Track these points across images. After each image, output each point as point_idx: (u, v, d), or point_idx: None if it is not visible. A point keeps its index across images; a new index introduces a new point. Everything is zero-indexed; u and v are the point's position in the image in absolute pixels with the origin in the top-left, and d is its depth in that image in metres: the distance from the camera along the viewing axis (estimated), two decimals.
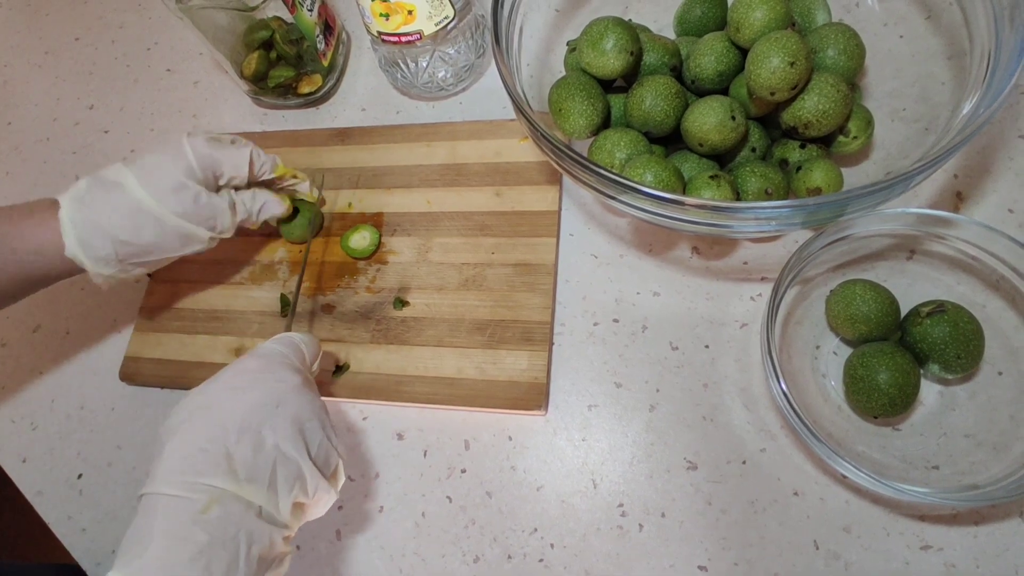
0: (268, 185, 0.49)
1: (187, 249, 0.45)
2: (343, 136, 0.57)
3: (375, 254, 0.51)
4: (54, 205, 0.42)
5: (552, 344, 0.46)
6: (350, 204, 0.54)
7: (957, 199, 0.45)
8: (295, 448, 0.34)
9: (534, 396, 0.44)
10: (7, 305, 0.44)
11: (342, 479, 0.38)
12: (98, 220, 0.41)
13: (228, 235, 0.46)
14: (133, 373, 0.52)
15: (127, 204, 0.41)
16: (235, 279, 0.53)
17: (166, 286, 0.54)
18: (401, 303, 0.49)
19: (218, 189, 0.46)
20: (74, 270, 0.43)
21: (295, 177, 0.50)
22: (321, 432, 0.36)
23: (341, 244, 0.51)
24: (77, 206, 0.41)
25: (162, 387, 0.51)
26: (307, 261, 0.49)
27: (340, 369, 0.47)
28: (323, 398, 0.38)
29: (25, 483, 0.50)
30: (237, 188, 0.47)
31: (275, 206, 0.48)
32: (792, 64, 0.38)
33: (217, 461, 0.32)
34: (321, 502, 0.36)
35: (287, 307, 0.51)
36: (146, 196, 0.41)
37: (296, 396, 0.36)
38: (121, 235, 0.42)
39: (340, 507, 0.45)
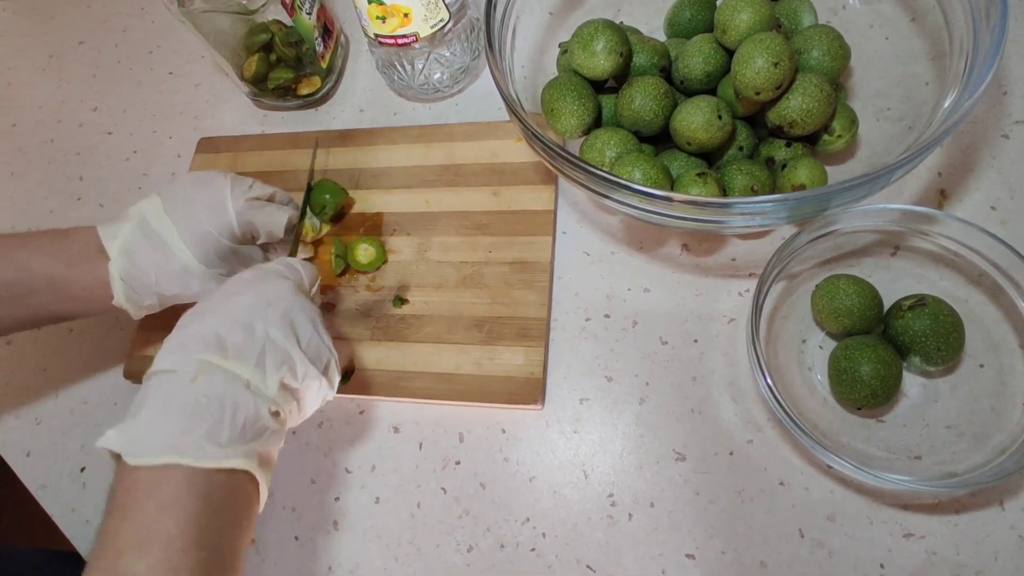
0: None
1: None
2: (343, 138, 0.58)
3: (382, 267, 0.52)
4: (102, 254, 0.43)
5: (548, 340, 0.47)
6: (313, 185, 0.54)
7: (941, 196, 0.46)
8: (284, 336, 0.36)
9: (530, 391, 0.45)
10: (21, 331, 0.45)
11: (336, 378, 0.39)
12: (146, 279, 0.43)
13: None
14: (137, 371, 0.53)
15: (174, 266, 0.43)
16: None
17: None
18: (400, 301, 0.50)
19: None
20: (108, 311, 0.45)
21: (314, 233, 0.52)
22: (312, 329, 0.37)
23: (348, 259, 0.52)
24: (126, 262, 0.43)
25: None
26: (301, 221, 0.50)
27: (347, 375, 0.48)
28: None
29: (29, 477, 0.51)
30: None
31: (287, 212, 0.50)
32: (776, 64, 0.39)
33: (207, 341, 0.34)
34: (312, 390, 0.38)
35: None
36: (194, 262, 0.44)
37: (287, 296, 0.38)
38: (166, 291, 0.44)
39: (337, 498, 0.46)
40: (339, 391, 0.48)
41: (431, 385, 0.47)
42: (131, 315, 0.45)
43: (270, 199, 0.48)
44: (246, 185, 0.46)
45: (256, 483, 0.34)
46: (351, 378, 0.48)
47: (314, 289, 0.42)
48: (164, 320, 0.53)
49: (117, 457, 0.31)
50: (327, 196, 0.52)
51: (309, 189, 0.52)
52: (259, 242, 0.48)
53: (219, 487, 0.32)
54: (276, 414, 0.35)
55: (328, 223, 0.53)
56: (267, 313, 0.36)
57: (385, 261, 0.52)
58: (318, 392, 0.38)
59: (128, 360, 0.53)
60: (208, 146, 0.61)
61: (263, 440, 0.34)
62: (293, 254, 0.47)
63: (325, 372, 0.38)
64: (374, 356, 0.48)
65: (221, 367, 0.34)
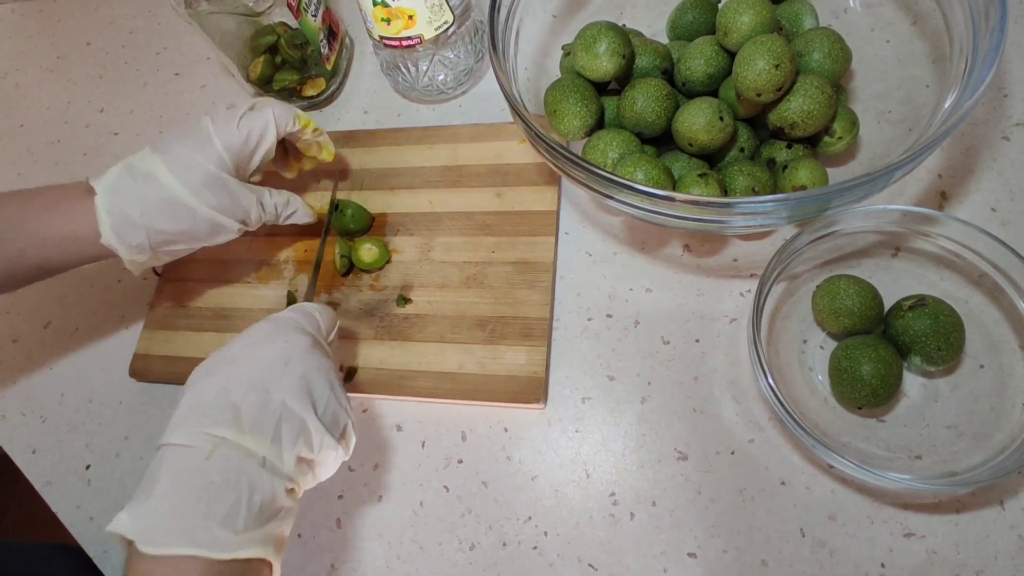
0: (296, 138, 0.50)
1: (216, 238, 0.46)
2: (348, 139, 0.58)
3: (385, 266, 0.52)
4: (89, 192, 0.42)
5: (551, 340, 0.48)
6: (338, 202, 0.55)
7: (941, 198, 0.47)
8: (300, 404, 0.35)
9: (533, 390, 0.45)
10: (24, 286, 0.45)
11: (353, 439, 0.38)
12: (133, 210, 0.42)
13: (254, 228, 0.48)
14: (142, 370, 0.53)
15: (162, 196, 0.42)
16: (242, 278, 0.55)
17: (174, 285, 0.56)
18: (404, 300, 0.50)
19: (252, 174, 0.47)
20: (103, 256, 0.44)
21: (316, 130, 0.50)
22: (329, 392, 0.36)
23: (353, 257, 0.52)
24: (112, 196, 0.42)
25: (170, 383, 0.53)
26: (324, 240, 0.51)
27: (351, 374, 0.48)
28: None
29: (34, 474, 0.52)
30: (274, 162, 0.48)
31: (303, 216, 0.50)
32: (777, 66, 0.40)
33: (223, 413, 0.33)
34: (328, 460, 0.36)
35: (293, 303, 0.52)
36: (180, 189, 0.42)
37: (304, 355, 0.37)
38: (155, 224, 0.43)
39: (340, 496, 0.46)
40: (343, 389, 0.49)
41: (434, 384, 0.47)
42: (124, 262, 0.44)
43: (251, 108, 0.46)
44: (224, 109, 0.45)
45: (270, 566, 0.33)
46: (354, 377, 0.48)
47: (331, 336, 0.41)
48: (169, 320, 0.54)
49: (128, 541, 0.31)
50: (349, 214, 0.52)
51: (334, 207, 0.53)
52: (257, 159, 0.46)
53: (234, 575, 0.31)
54: (291, 491, 0.35)
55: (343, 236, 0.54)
56: (283, 377, 0.35)
57: (389, 260, 0.52)
58: (335, 460, 0.37)
59: (134, 358, 0.54)
60: None
61: (278, 521, 0.33)
62: (310, 298, 0.46)
63: (342, 438, 0.37)
64: (377, 355, 0.49)
65: (236, 443, 0.33)
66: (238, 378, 0.35)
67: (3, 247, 0.42)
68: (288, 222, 0.50)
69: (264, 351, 0.36)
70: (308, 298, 0.47)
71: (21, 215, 0.42)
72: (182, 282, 0.56)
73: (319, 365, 0.37)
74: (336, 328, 0.42)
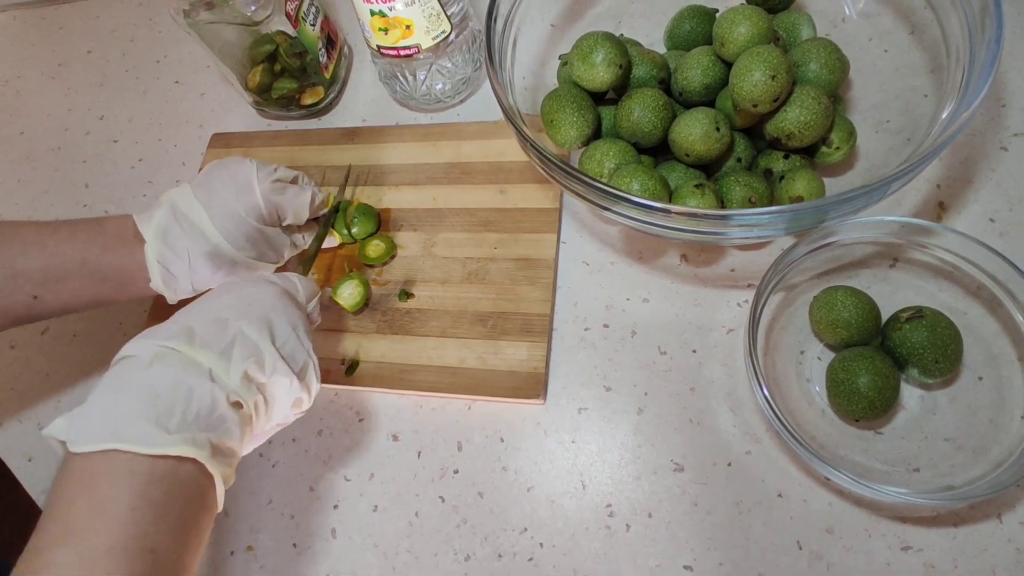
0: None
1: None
2: (352, 135, 0.59)
3: (390, 261, 0.53)
4: (138, 237, 0.43)
5: (551, 336, 0.48)
6: (358, 200, 0.56)
7: (940, 209, 0.46)
8: (258, 332, 0.35)
9: (533, 385, 0.45)
10: (64, 315, 0.45)
11: (315, 383, 0.38)
12: (180, 261, 0.44)
13: (284, 263, 0.50)
14: None
15: (207, 249, 0.44)
16: None
17: None
18: (406, 295, 0.51)
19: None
20: (146, 296, 0.45)
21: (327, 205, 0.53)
22: (290, 331, 0.37)
23: (359, 254, 0.52)
24: (161, 245, 0.43)
25: None
26: (324, 233, 0.52)
27: (352, 367, 0.49)
28: (331, 386, 0.38)
29: (30, 482, 0.52)
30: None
31: (330, 242, 0.52)
32: (773, 77, 0.40)
33: (176, 330, 0.34)
34: (281, 388, 0.36)
35: None
36: (225, 244, 0.44)
37: (271, 299, 0.37)
38: (199, 274, 0.44)
39: (335, 506, 0.46)
40: (344, 383, 0.48)
41: (435, 378, 0.47)
42: (167, 300, 0.46)
43: (293, 182, 0.49)
44: (270, 168, 0.47)
45: (210, 477, 0.32)
46: (356, 369, 0.48)
47: (311, 304, 0.42)
48: (170, 313, 0.54)
49: (64, 447, 0.30)
50: (356, 217, 0.53)
51: (336, 210, 0.53)
52: (285, 223, 0.49)
53: (164, 478, 0.30)
54: (238, 405, 0.34)
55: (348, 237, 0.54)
56: (245, 311, 0.36)
57: (394, 256, 0.52)
58: (288, 391, 0.36)
59: None
60: (220, 142, 0.63)
61: (219, 431, 0.32)
62: (305, 273, 0.48)
63: (301, 376, 0.36)
64: (379, 349, 0.49)
65: (180, 353, 0.33)
66: (201, 312, 0.36)
67: (61, 285, 0.43)
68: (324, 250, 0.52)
69: (231, 294, 0.37)
70: (304, 274, 0.48)
71: (86, 253, 0.43)
72: None
73: (285, 310, 0.37)
74: (317, 298, 0.43)
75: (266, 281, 0.39)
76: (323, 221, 0.52)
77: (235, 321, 0.35)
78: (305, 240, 0.51)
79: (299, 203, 0.48)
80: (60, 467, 0.30)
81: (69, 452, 0.30)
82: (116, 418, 0.30)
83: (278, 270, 0.49)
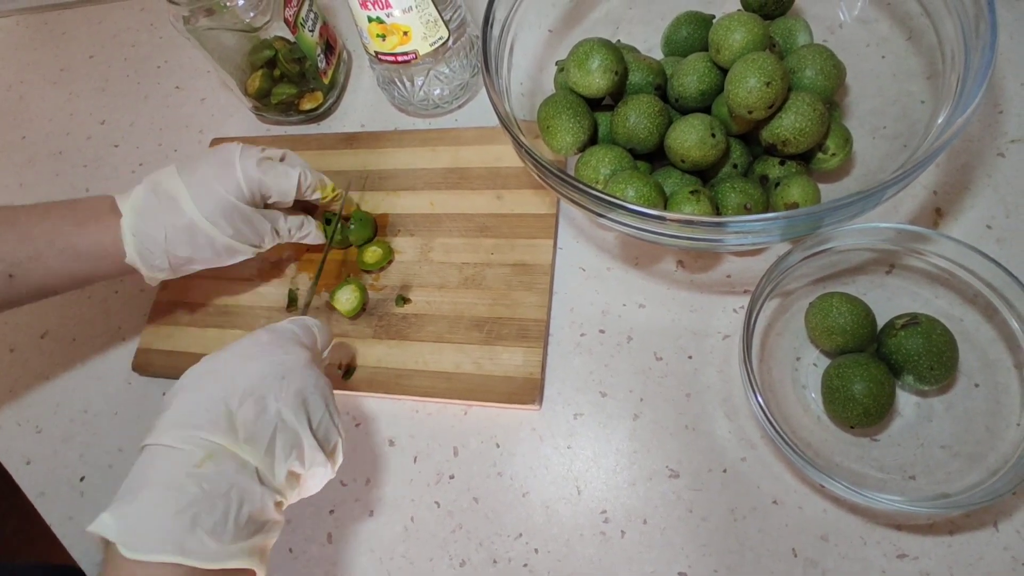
0: (312, 207, 0.52)
1: (232, 260, 0.48)
2: (350, 140, 0.59)
3: (387, 266, 0.53)
4: (115, 212, 0.44)
5: (547, 341, 0.48)
6: (357, 205, 0.56)
7: (936, 215, 0.46)
8: (296, 418, 0.35)
9: (528, 390, 0.45)
10: (50, 296, 0.46)
11: (340, 459, 0.38)
12: (155, 234, 0.44)
13: (267, 249, 0.49)
14: (145, 364, 0.54)
15: (183, 222, 0.44)
16: (243, 275, 0.55)
17: (178, 281, 0.55)
18: (403, 300, 0.51)
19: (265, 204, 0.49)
20: (126, 272, 0.45)
21: (336, 200, 0.52)
22: (324, 408, 0.36)
23: (357, 260, 0.53)
24: (136, 218, 0.43)
25: (171, 378, 0.53)
26: (327, 251, 0.52)
27: (349, 371, 0.49)
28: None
29: (28, 484, 0.52)
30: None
31: (315, 238, 0.52)
32: (768, 84, 0.40)
33: (218, 419, 0.33)
34: (316, 476, 0.36)
35: (294, 302, 0.53)
36: (200, 218, 0.44)
37: (303, 370, 0.37)
38: (176, 249, 0.44)
39: (331, 511, 0.46)
40: (340, 388, 0.49)
41: (431, 383, 0.47)
42: (144, 278, 0.46)
43: (281, 160, 0.48)
44: (256, 148, 0.47)
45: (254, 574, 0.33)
46: (352, 374, 0.48)
47: (326, 352, 0.42)
48: (172, 316, 0.55)
49: (108, 542, 0.30)
50: (352, 225, 0.53)
51: (345, 218, 0.53)
52: (270, 201, 0.48)
53: None
54: (279, 505, 0.34)
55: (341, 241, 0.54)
56: (281, 389, 0.35)
57: (391, 261, 0.53)
58: (322, 479, 0.37)
59: (137, 353, 0.54)
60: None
61: (264, 533, 0.33)
62: (309, 300, 0.48)
63: (331, 456, 0.37)
64: (375, 354, 0.49)
65: (230, 451, 0.32)
66: (234, 386, 0.34)
67: (33, 265, 0.43)
68: (300, 242, 0.51)
69: (262, 361, 0.36)
70: (308, 299, 0.48)
71: (56, 230, 0.43)
72: (185, 279, 0.56)
73: (316, 382, 0.37)
74: (331, 346, 0.43)
75: (295, 342, 0.38)
76: (331, 230, 0.52)
77: (273, 403, 0.34)
78: (291, 231, 0.50)
79: (285, 182, 0.47)
80: (107, 566, 0.30)
81: (118, 553, 0.29)
82: (172, 527, 0.30)
83: (274, 269, 0.49)
